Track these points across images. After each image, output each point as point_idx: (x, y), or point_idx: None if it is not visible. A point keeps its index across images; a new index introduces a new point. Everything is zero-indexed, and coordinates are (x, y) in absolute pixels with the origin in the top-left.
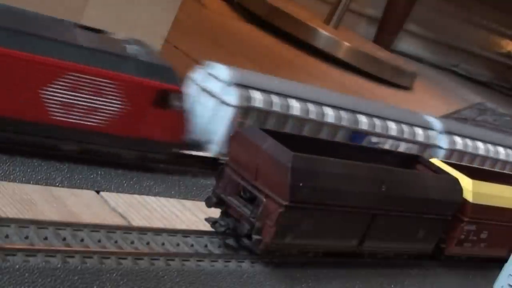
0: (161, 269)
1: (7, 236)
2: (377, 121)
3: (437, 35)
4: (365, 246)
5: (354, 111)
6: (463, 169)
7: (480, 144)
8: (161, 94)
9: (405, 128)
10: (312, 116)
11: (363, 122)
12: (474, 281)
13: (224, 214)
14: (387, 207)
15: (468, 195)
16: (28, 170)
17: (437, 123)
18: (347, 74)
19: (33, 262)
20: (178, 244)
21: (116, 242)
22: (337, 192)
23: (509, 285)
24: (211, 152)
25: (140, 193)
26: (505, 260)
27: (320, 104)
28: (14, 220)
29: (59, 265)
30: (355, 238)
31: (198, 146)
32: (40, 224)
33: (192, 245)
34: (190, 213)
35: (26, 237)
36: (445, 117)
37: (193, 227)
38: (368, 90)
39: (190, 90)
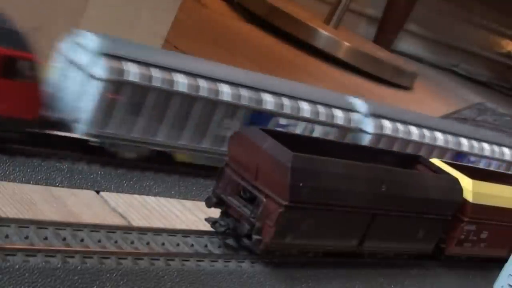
0: (161, 269)
1: (7, 236)
2: (286, 101)
3: (437, 35)
4: (365, 246)
5: (256, 89)
6: (463, 169)
7: (414, 129)
8: (9, 62)
9: (321, 109)
10: (203, 93)
11: (268, 101)
12: (474, 281)
13: (224, 214)
14: (387, 207)
15: (468, 195)
16: (28, 170)
17: (362, 105)
18: (347, 74)
19: (33, 262)
20: (178, 244)
21: (116, 242)
22: (337, 192)
23: (509, 285)
24: (77, 132)
25: (140, 193)
26: (505, 260)
27: (213, 79)
28: (14, 220)
29: (59, 265)
30: (355, 238)
31: (64, 125)
32: (40, 224)
33: (192, 245)
34: (190, 213)
35: (26, 237)
36: (445, 117)
37: (193, 227)
38: (368, 90)
39: (57, 62)
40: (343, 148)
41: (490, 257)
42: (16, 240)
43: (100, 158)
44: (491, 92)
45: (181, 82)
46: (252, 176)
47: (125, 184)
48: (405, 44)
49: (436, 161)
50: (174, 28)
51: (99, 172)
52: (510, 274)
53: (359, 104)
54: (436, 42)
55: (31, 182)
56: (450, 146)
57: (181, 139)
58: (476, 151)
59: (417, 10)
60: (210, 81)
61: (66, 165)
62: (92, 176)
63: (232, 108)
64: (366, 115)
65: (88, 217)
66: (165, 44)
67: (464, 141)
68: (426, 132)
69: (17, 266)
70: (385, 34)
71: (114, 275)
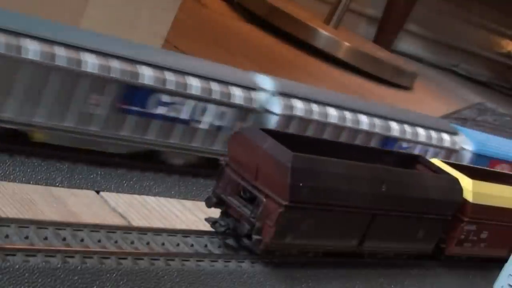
0: (161, 269)
1: (7, 236)
2: (170, 75)
3: (437, 35)
4: (365, 246)
5: (132, 60)
6: (463, 169)
7: (332, 111)
8: None
9: (215, 86)
10: (62, 63)
11: (146, 75)
12: (474, 281)
13: (224, 214)
14: (387, 207)
15: (468, 195)
16: (28, 170)
17: (267, 83)
18: (347, 74)
19: (33, 262)
20: (178, 244)
21: (116, 242)
22: (337, 192)
23: (509, 285)
24: None
25: (140, 193)
26: (505, 260)
27: (75, 47)
28: (14, 220)
29: (59, 265)
30: (355, 238)
31: None
32: (40, 224)
33: (192, 245)
34: (190, 213)
35: (26, 237)
36: (445, 117)
37: (193, 227)
38: (368, 90)
39: None
40: (343, 148)
41: (490, 257)
42: (16, 240)
43: (100, 158)
44: (491, 92)
45: (32, 49)
46: (252, 176)
47: (125, 184)
48: (405, 44)
49: (436, 161)
50: (174, 28)
51: (99, 172)
52: (510, 274)
53: (264, 81)
54: (436, 42)
55: (31, 182)
56: (377, 130)
57: (36, 117)
58: (409, 136)
59: (417, 10)
60: (71, 49)
61: (66, 165)
62: (92, 176)
63: (100, 82)
64: (272, 94)
65: (88, 217)
66: (165, 44)
67: (394, 125)
68: (348, 114)
69: (17, 266)
70: (385, 34)
71: (114, 275)
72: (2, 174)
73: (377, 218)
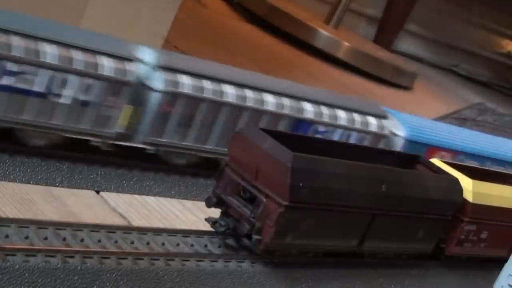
0: (161, 269)
1: (7, 236)
2: (17, 40)
3: (437, 35)
4: (365, 246)
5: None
6: (463, 169)
7: (229, 89)
8: None
9: (78, 55)
10: None
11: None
12: (474, 281)
13: (224, 214)
14: (387, 207)
15: (468, 195)
16: (28, 170)
17: (148, 54)
18: (347, 74)
19: (33, 262)
20: (178, 244)
21: (116, 242)
22: (337, 192)
23: (509, 285)
24: None
25: (140, 193)
26: (505, 260)
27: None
28: (14, 220)
29: (59, 265)
30: (355, 238)
31: None
32: (40, 224)
33: (192, 245)
34: (190, 213)
35: (26, 237)
36: (445, 117)
37: (193, 227)
38: (368, 90)
39: None
40: (343, 148)
41: (490, 257)
42: (16, 240)
43: (100, 158)
44: (491, 92)
45: None
46: (252, 176)
47: (125, 184)
48: (405, 44)
49: (436, 161)
50: (174, 28)
51: (99, 172)
52: (510, 274)
53: (144, 52)
54: (436, 42)
55: (31, 182)
56: (286, 111)
57: None
58: (326, 119)
59: (417, 10)
60: None
61: (66, 165)
62: (92, 176)
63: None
64: (153, 67)
65: (88, 217)
66: (165, 44)
67: (307, 106)
68: (249, 92)
69: (17, 266)
70: (385, 34)
71: (114, 275)
72: (2, 174)
73: (377, 218)
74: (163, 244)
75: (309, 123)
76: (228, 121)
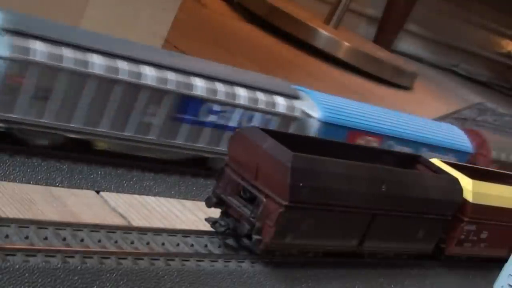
0: (161, 269)
1: (7, 236)
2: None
3: (437, 35)
4: (365, 246)
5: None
6: (463, 169)
7: (97, 58)
8: None
9: None
10: None
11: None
12: (474, 281)
13: (224, 214)
14: (387, 207)
15: (468, 195)
16: (28, 170)
17: None
18: (347, 74)
19: (33, 262)
20: (178, 244)
21: (116, 242)
22: (337, 192)
23: (509, 285)
24: None
25: (140, 193)
26: (505, 260)
27: None
28: (14, 220)
29: (59, 265)
30: (355, 238)
31: None
32: (40, 224)
33: (192, 245)
34: (190, 213)
35: (26, 237)
36: (445, 117)
37: (193, 227)
38: (368, 90)
39: None
40: (343, 148)
41: (490, 257)
42: (16, 240)
43: (100, 158)
44: (491, 92)
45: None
46: (252, 176)
47: (125, 184)
48: (405, 44)
49: (436, 161)
50: (174, 28)
51: (99, 172)
52: (510, 274)
53: None
54: (436, 42)
55: (31, 182)
56: (171, 87)
57: None
58: (222, 96)
59: (417, 10)
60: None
61: (66, 165)
62: (92, 176)
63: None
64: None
65: (88, 217)
66: (165, 44)
67: (197, 81)
68: (124, 64)
69: (17, 266)
70: (385, 34)
71: (114, 275)
72: (2, 174)
73: (377, 218)
74: (163, 244)
75: (200, 101)
76: (97, 97)
